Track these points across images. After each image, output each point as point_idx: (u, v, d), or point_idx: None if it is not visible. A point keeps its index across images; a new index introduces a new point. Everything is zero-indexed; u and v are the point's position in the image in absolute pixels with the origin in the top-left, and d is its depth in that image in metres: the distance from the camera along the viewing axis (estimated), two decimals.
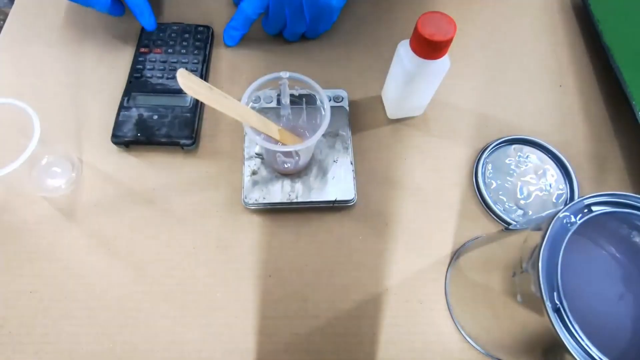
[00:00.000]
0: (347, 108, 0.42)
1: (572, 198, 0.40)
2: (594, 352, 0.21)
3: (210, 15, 0.48)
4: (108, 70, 0.45)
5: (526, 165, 0.42)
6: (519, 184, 0.41)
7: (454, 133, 0.43)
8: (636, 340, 0.26)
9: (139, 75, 0.43)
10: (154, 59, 0.44)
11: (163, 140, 0.40)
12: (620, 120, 0.45)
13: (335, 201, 0.37)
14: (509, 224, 0.39)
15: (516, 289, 0.25)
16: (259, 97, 0.41)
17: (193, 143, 0.40)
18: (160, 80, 0.43)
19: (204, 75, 0.44)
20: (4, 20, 0.47)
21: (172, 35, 0.45)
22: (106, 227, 0.38)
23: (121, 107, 0.41)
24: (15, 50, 0.45)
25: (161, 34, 0.45)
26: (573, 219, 0.24)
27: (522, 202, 0.40)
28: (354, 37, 0.48)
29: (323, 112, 0.34)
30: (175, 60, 0.44)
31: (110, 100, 0.42)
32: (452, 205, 0.40)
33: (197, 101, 0.42)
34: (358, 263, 0.37)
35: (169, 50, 0.44)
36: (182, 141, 0.40)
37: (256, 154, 0.39)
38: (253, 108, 0.33)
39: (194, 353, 0.34)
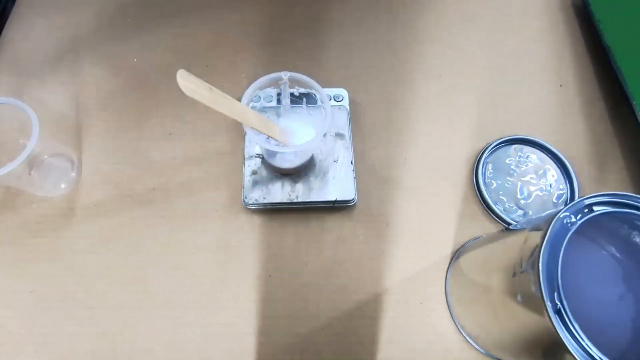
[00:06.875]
0: (348, 107, 0.42)
1: (572, 198, 0.40)
2: (594, 352, 0.21)
3: None
4: (108, 70, 0.45)
5: (526, 165, 0.41)
6: (519, 184, 0.41)
7: (454, 133, 0.43)
8: (636, 340, 0.26)
9: None
10: None
11: None
12: (620, 120, 0.45)
13: (335, 201, 0.37)
14: (509, 224, 0.39)
15: (516, 289, 0.25)
16: (259, 97, 0.41)
17: None
18: None
19: None
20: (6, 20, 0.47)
21: None
22: (106, 227, 0.38)
23: None
24: (16, 50, 0.45)
25: None
26: (573, 219, 0.24)
27: (522, 202, 0.40)
28: (354, 37, 0.48)
29: (324, 112, 0.34)
30: None
31: (110, 100, 0.42)
32: (452, 205, 0.40)
33: None
34: (358, 263, 0.37)
35: None
36: None
37: (256, 154, 0.39)
38: (253, 107, 0.33)
39: (194, 353, 0.34)
